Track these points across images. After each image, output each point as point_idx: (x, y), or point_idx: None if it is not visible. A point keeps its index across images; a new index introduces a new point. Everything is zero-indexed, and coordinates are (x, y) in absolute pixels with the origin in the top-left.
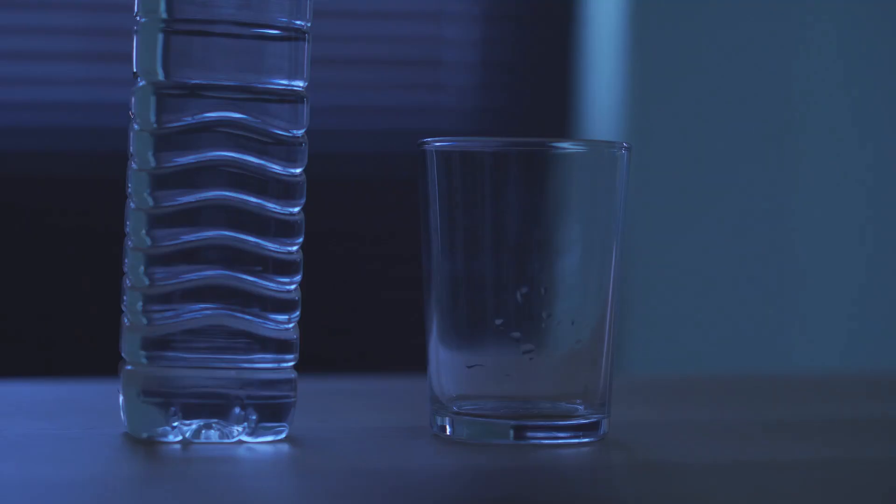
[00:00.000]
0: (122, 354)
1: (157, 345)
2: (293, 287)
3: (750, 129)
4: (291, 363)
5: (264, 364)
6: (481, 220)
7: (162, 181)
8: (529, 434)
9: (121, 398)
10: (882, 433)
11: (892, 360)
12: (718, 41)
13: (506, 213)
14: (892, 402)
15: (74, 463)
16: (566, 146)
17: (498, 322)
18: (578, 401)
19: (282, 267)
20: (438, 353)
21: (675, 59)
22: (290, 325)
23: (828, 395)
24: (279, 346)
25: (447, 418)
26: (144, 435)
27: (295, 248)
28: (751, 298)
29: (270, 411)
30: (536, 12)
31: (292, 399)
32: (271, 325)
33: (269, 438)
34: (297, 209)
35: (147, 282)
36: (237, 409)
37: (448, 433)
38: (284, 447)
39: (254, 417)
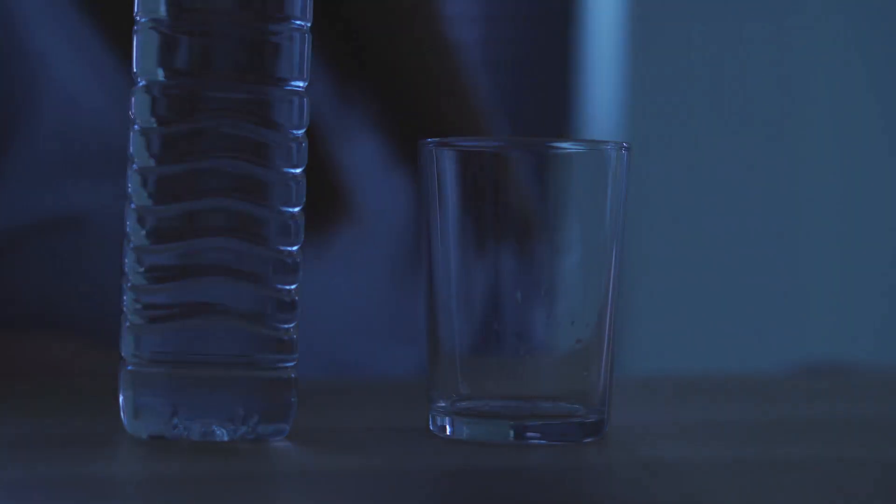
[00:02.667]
0: (122, 354)
1: (158, 345)
2: (293, 288)
3: (750, 129)
4: (292, 363)
5: (264, 364)
6: (481, 220)
7: (161, 182)
8: (529, 434)
9: (121, 398)
10: (881, 433)
11: (892, 360)
12: (718, 41)
13: (506, 213)
14: (891, 402)
15: (76, 463)
16: (566, 146)
17: (498, 322)
18: (578, 401)
19: (282, 268)
20: (438, 353)
21: (675, 59)
22: (291, 326)
23: (827, 395)
24: (279, 346)
25: (447, 418)
26: (145, 435)
27: (295, 248)
28: (751, 298)
29: (271, 411)
30: (536, 12)
31: (293, 399)
32: (271, 326)
33: (270, 439)
34: (297, 210)
35: (147, 282)
36: (238, 410)
37: (448, 433)
38: (284, 447)
39: (254, 418)
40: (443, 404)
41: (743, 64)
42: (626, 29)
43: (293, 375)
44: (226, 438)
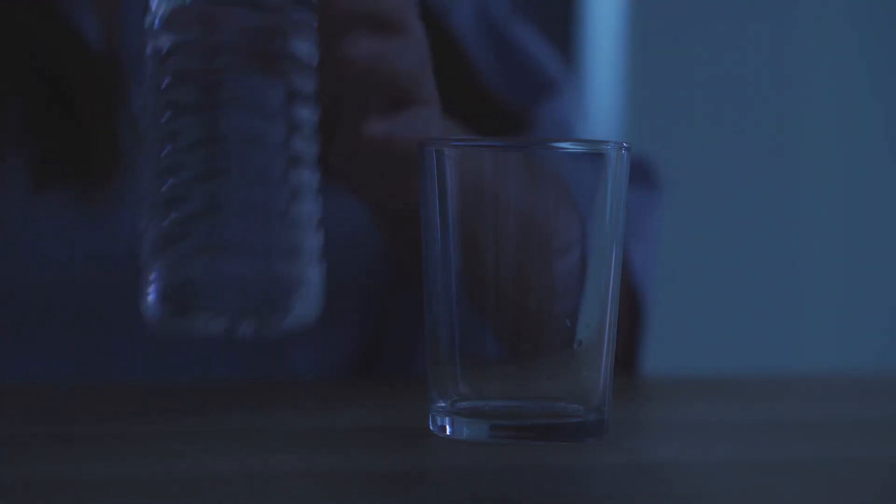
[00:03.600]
0: (143, 258)
1: (176, 243)
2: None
3: (751, 129)
4: (304, 265)
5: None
6: (481, 220)
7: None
8: (529, 434)
9: (147, 297)
10: (881, 433)
11: (892, 360)
12: (718, 41)
13: (506, 213)
14: (891, 402)
15: (75, 463)
16: (566, 146)
17: (498, 322)
18: (578, 401)
19: (297, 164)
20: (438, 353)
21: (675, 59)
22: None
23: (827, 395)
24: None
25: (447, 418)
26: (167, 332)
27: (313, 149)
28: (751, 298)
29: (274, 309)
30: (536, 12)
31: (299, 299)
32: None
33: (274, 334)
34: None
35: (161, 193)
36: (249, 304)
37: (448, 433)
38: (284, 447)
39: (261, 313)
40: (443, 404)
41: (743, 64)
42: (626, 29)
43: (305, 277)
44: (242, 332)
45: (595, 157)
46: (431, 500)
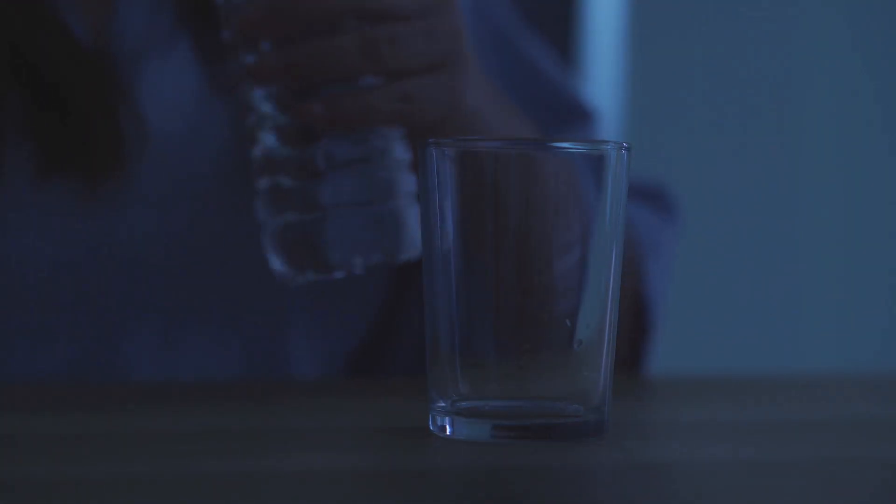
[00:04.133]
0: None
1: (288, 205)
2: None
3: (750, 129)
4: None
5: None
6: (481, 220)
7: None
8: (529, 434)
9: (270, 258)
10: (881, 433)
11: (892, 360)
12: (718, 40)
13: (506, 213)
14: (892, 402)
15: (74, 463)
16: (566, 146)
17: (498, 322)
18: (578, 401)
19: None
20: (438, 353)
21: (675, 59)
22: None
23: (827, 395)
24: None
25: (447, 418)
26: (295, 283)
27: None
28: (751, 298)
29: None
30: (536, 12)
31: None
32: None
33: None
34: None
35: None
36: (365, 248)
37: (448, 433)
38: (284, 447)
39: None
40: (443, 404)
41: (743, 64)
42: (626, 29)
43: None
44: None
45: (595, 157)
46: (431, 500)
